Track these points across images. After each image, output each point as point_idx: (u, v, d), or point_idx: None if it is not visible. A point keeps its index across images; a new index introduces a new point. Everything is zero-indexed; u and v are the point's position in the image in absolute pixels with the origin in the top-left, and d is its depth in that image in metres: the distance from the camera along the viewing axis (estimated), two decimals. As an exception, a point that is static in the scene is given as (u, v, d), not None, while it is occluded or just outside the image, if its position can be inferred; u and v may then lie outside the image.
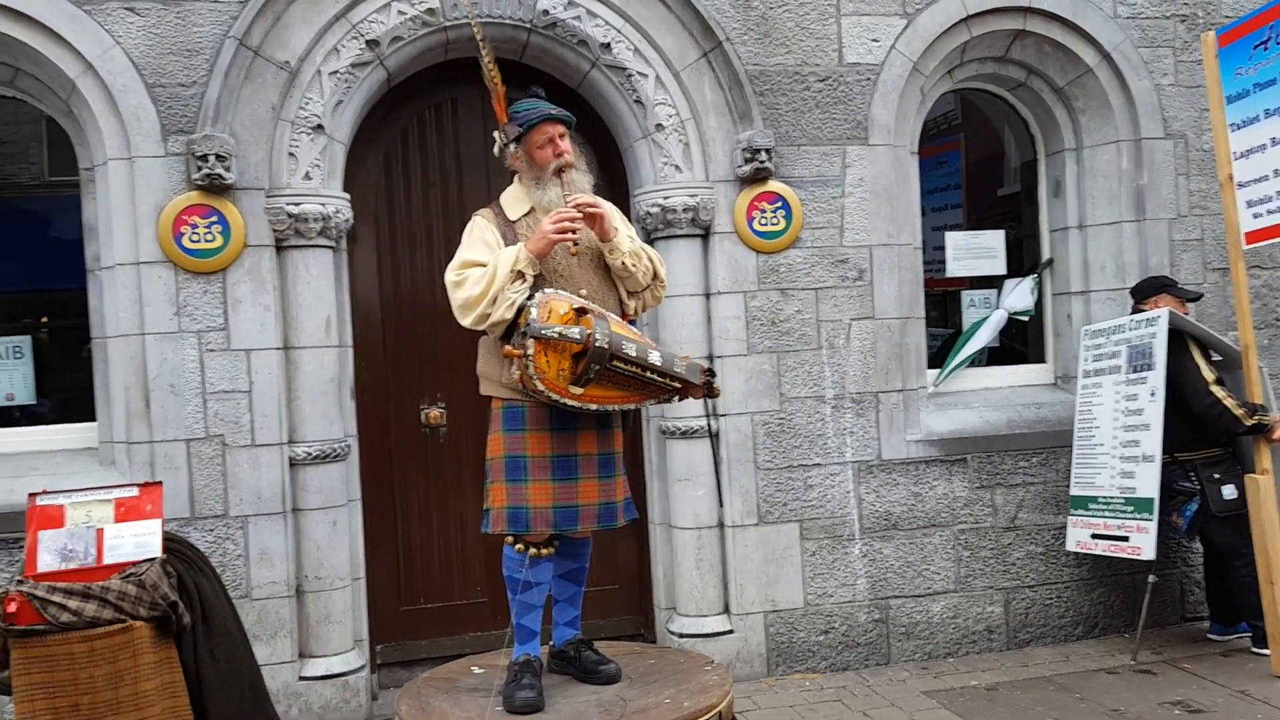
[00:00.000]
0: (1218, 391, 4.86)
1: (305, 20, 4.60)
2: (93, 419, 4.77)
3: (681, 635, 5.02)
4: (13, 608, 3.25)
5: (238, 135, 4.53)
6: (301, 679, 4.61)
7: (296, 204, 4.58)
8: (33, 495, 3.54)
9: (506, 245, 3.30)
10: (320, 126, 4.64)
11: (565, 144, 3.40)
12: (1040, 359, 5.96)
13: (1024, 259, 6.01)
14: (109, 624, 3.32)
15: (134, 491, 3.62)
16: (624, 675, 3.54)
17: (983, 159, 6.29)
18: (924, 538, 5.29)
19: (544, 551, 3.39)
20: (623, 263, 3.36)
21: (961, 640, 5.34)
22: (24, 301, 5.19)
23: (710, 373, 3.34)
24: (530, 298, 3.16)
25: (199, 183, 4.45)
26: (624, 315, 3.43)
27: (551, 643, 3.67)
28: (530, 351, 3.05)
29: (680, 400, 3.40)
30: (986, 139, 6.29)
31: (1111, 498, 5.06)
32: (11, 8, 4.36)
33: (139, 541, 3.52)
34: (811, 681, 5.03)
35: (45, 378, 4.96)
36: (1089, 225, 5.67)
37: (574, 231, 3.23)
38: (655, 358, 3.18)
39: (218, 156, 4.43)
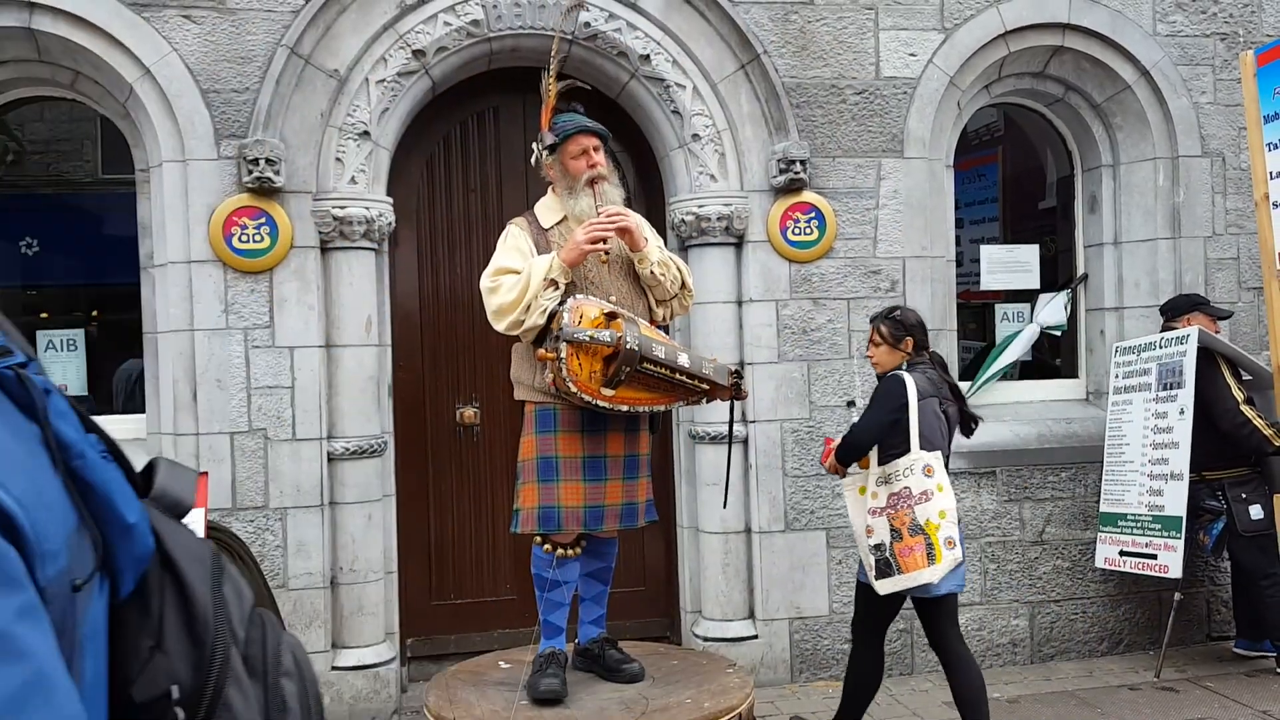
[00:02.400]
0: (1248, 411, 4.85)
1: (354, 30, 4.74)
2: (141, 411, 4.94)
3: (706, 639, 5.09)
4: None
5: (287, 140, 4.67)
6: (334, 669, 4.74)
7: (342, 207, 4.72)
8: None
9: (539, 253, 3.40)
10: (367, 133, 4.78)
11: (599, 156, 3.49)
12: (1072, 374, 5.96)
13: (1059, 274, 6.02)
14: (153, 608, 3.45)
15: (180, 481, 3.74)
16: (647, 675, 3.60)
17: (1021, 173, 6.30)
18: (950, 549, 5.31)
19: (571, 551, 3.49)
20: (651, 271, 3.45)
21: (986, 653, 5.35)
22: (77, 295, 5.37)
23: (738, 374, 3.41)
24: (562, 303, 3.25)
25: (249, 185, 4.61)
26: (653, 322, 3.52)
27: (577, 640, 3.75)
28: (563, 354, 3.14)
29: (708, 402, 3.48)
30: (1025, 153, 6.30)
31: (1140, 515, 5.07)
32: (74, 14, 4.54)
33: (183, 529, 3.65)
34: (835, 690, 5.04)
35: (96, 370, 5.14)
36: (1124, 241, 5.68)
37: (605, 241, 3.32)
38: (684, 360, 3.27)
39: (268, 160, 4.58)
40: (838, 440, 3.97)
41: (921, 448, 3.75)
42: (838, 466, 3.95)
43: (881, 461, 3.80)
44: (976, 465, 5.35)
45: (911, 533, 3.70)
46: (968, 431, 4.09)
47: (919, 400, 3.77)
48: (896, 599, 3.87)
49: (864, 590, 3.94)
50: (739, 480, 5.11)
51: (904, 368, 3.89)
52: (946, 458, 3.87)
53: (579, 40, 4.95)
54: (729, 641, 5.04)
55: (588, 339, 3.13)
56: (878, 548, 3.77)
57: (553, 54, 3.63)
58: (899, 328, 3.92)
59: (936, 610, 3.87)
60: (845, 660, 5.15)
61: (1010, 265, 5.88)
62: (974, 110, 5.65)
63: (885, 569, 3.75)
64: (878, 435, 3.81)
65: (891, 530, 3.73)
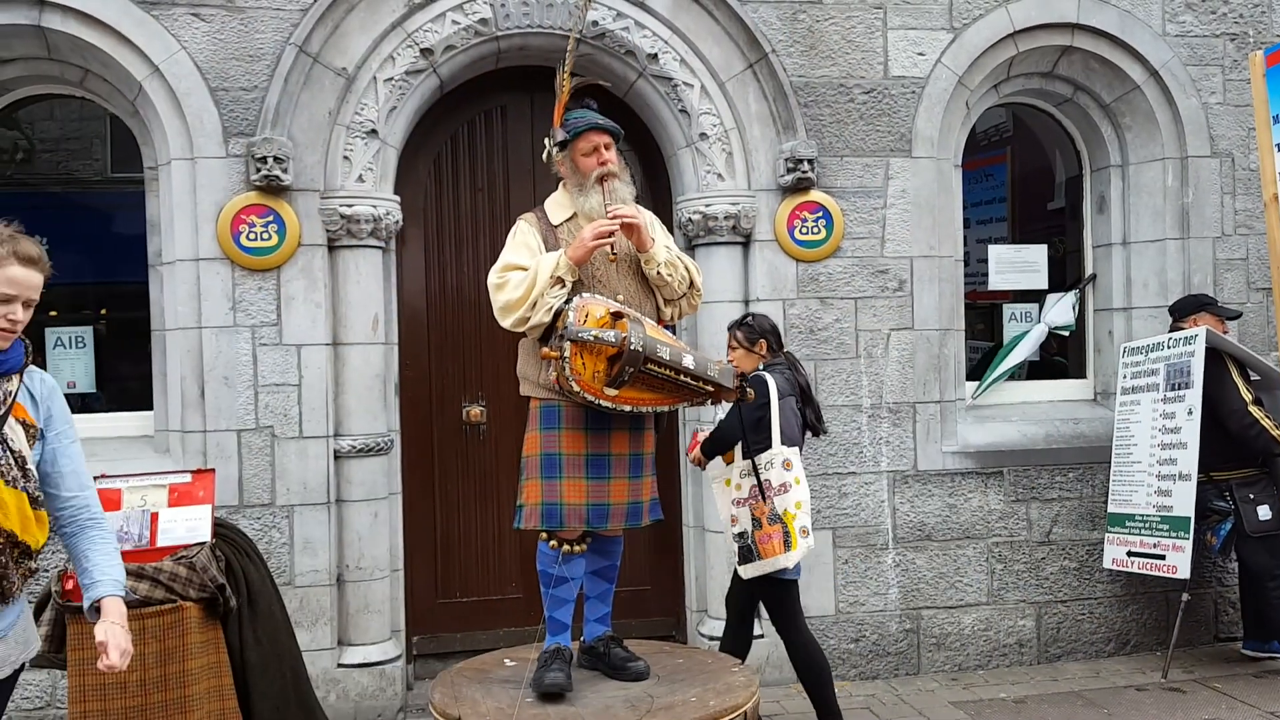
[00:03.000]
0: (1256, 412, 4.84)
1: (363, 29, 4.75)
2: (148, 408, 4.96)
3: (712, 638, 5.08)
4: (70, 585, 3.40)
5: (295, 138, 4.68)
6: (340, 666, 4.75)
7: (349, 206, 4.73)
8: (93, 479, 3.69)
9: (548, 249, 3.40)
10: (374, 131, 4.78)
11: (610, 154, 3.50)
12: (1080, 374, 5.95)
13: (1067, 274, 6.00)
14: (160, 604, 3.47)
15: (187, 478, 3.76)
16: (652, 673, 3.62)
17: (1029, 173, 6.29)
18: (957, 549, 5.31)
19: (577, 548, 3.49)
20: (658, 272, 3.45)
21: (992, 653, 5.35)
22: (85, 293, 5.39)
23: (743, 376, 3.41)
24: (568, 302, 3.25)
25: (257, 183, 4.62)
26: (660, 321, 3.52)
27: (582, 638, 3.76)
28: (567, 353, 3.14)
29: (714, 404, 3.49)
30: (1033, 153, 6.29)
31: (1148, 516, 5.05)
32: (84, 12, 4.55)
33: (190, 526, 3.67)
34: (840, 689, 5.05)
35: (104, 367, 5.16)
36: (1133, 242, 5.66)
37: (611, 235, 3.32)
38: (689, 361, 3.26)
39: (276, 159, 4.59)
40: (705, 434, 4.25)
41: (782, 443, 4.01)
42: (701, 459, 4.23)
43: (745, 455, 4.04)
44: (984, 465, 5.34)
45: (770, 521, 3.97)
46: (816, 431, 4.32)
47: (779, 399, 4.03)
48: (754, 585, 4.10)
49: (736, 575, 4.19)
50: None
51: (762, 368, 4.14)
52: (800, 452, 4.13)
53: (587, 39, 4.94)
54: (735, 641, 5.04)
55: (592, 338, 3.13)
56: (741, 535, 4.04)
57: (569, 50, 3.63)
58: (753, 332, 4.21)
59: (785, 595, 4.14)
60: (852, 660, 5.17)
61: (1018, 265, 5.87)
62: (982, 110, 5.64)
63: (747, 555, 4.02)
64: (742, 431, 4.03)
65: (753, 519, 4.00)
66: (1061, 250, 6.06)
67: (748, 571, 4.03)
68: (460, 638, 5.24)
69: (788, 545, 3.94)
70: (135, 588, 3.43)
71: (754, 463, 4.00)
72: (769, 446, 3.99)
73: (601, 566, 3.67)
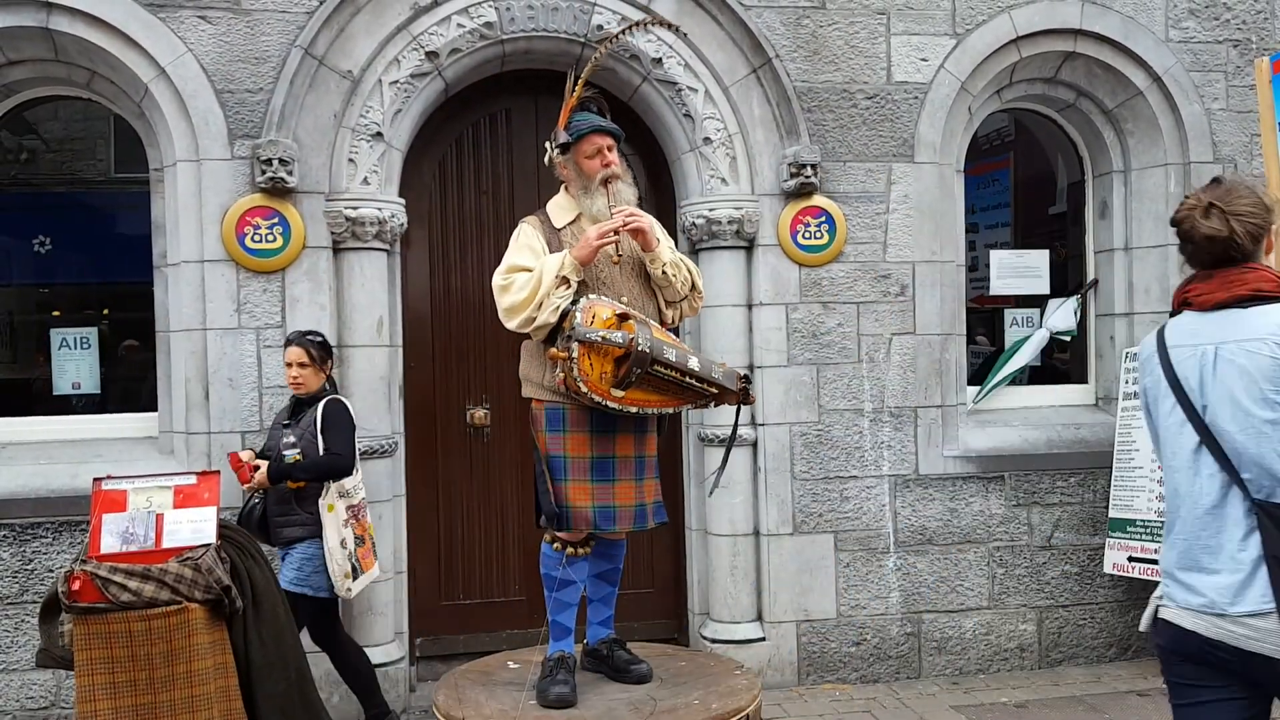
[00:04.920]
0: (1259, 417, 4.84)
1: (368, 32, 4.77)
2: (152, 409, 4.96)
3: (714, 641, 5.10)
4: (76, 585, 3.41)
5: (300, 141, 4.70)
6: (344, 667, 4.75)
7: (354, 208, 4.74)
8: (97, 480, 3.70)
9: (552, 251, 3.41)
10: (379, 134, 4.80)
11: (613, 156, 3.51)
12: (1082, 380, 5.96)
13: (1069, 279, 6.01)
14: (166, 605, 3.47)
15: (192, 479, 3.77)
16: (655, 676, 3.62)
17: (1032, 178, 6.30)
18: (959, 553, 5.32)
19: (580, 550, 3.50)
20: (663, 272, 3.46)
21: (993, 657, 5.36)
22: (89, 294, 5.40)
23: (746, 379, 3.43)
24: (574, 303, 3.27)
25: (262, 185, 4.63)
26: (663, 323, 3.53)
27: (585, 641, 3.77)
28: (574, 354, 3.15)
29: (716, 406, 3.50)
30: (1035, 158, 6.30)
31: (1150, 521, 5.06)
32: (91, 14, 4.57)
33: (196, 527, 3.67)
34: (841, 692, 5.08)
35: (107, 368, 5.17)
36: (1135, 247, 5.67)
37: (616, 234, 3.33)
38: (694, 363, 3.28)
39: (281, 161, 4.60)
40: (247, 454, 4.32)
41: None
42: (265, 483, 4.21)
43: (338, 479, 4.22)
44: (985, 470, 5.35)
45: (363, 540, 4.33)
46: None
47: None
48: (296, 600, 4.12)
49: (312, 602, 4.22)
50: (748, 483, 5.13)
51: (325, 388, 4.33)
52: None
53: (592, 43, 4.96)
54: (737, 644, 5.05)
55: (600, 339, 3.14)
56: (350, 556, 4.22)
57: (592, 62, 3.65)
58: (325, 350, 4.34)
59: (334, 607, 4.34)
60: (853, 663, 5.18)
61: (1020, 270, 5.88)
62: (985, 115, 5.66)
63: (355, 572, 4.24)
64: (354, 454, 4.29)
65: (356, 538, 4.27)
66: (1063, 255, 6.07)
67: (357, 587, 4.23)
68: (463, 639, 5.25)
69: (375, 556, 4.43)
70: (141, 589, 3.45)
71: (345, 486, 4.22)
72: (355, 468, 4.30)
73: (605, 569, 3.67)
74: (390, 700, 4.76)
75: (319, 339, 4.34)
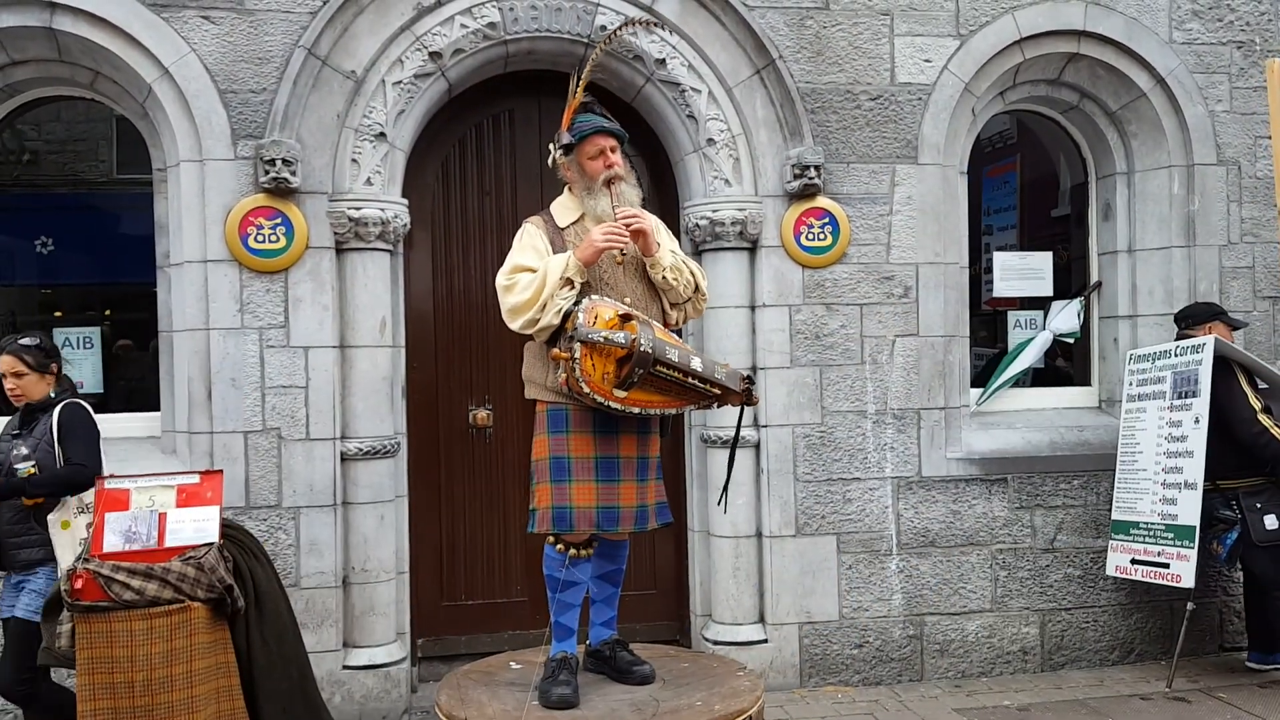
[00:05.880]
0: (1265, 420, 4.83)
1: (371, 32, 4.77)
2: (154, 409, 4.97)
3: (716, 642, 5.09)
4: (79, 584, 3.41)
5: (304, 141, 4.70)
6: (345, 667, 4.75)
7: (357, 208, 4.74)
8: (101, 479, 3.71)
9: (555, 252, 3.41)
10: (383, 134, 4.80)
11: (616, 157, 3.51)
12: (1085, 382, 5.95)
13: (1072, 281, 6.01)
14: (168, 604, 3.48)
15: (195, 479, 3.77)
16: (657, 677, 3.62)
17: (1036, 179, 6.30)
18: (961, 556, 5.31)
19: (583, 552, 3.50)
20: (663, 277, 3.46)
21: (996, 660, 5.34)
22: (92, 294, 5.40)
23: (749, 380, 3.42)
24: (577, 304, 3.27)
25: (265, 186, 4.63)
26: (666, 324, 3.53)
27: (588, 642, 3.76)
28: (577, 355, 3.15)
29: (719, 406, 3.49)
30: (1039, 160, 6.30)
31: (1153, 524, 5.05)
32: (94, 14, 4.57)
33: (198, 527, 3.67)
34: (844, 694, 5.07)
35: (110, 368, 5.17)
36: (1138, 249, 5.66)
37: (620, 238, 3.33)
38: (697, 364, 3.28)
39: (284, 161, 4.60)
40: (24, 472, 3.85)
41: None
42: (37, 500, 3.84)
43: (80, 491, 3.83)
44: (988, 472, 5.34)
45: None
46: None
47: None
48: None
49: (21, 628, 3.82)
50: (751, 485, 5.12)
51: (54, 395, 3.97)
52: None
53: (594, 43, 4.96)
54: (739, 645, 5.04)
55: (602, 340, 3.14)
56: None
57: (590, 61, 3.65)
58: (46, 356, 3.97)
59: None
60: (855, 665, 5.17)
61: (1023, 272, 5.88)
62: (988, 117, 5.65)
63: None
64: (100, 466, 3.91)
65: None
66: (1065, 258, 6.07)
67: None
68: (465, 640, 5.25)
69: None
70: (144, 587, 3.45)
71: (87, 500, 3.80)
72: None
73: (608, 570, 3.67)
74: (391, 701, 4.77)
75: (35, 343, 3.95)
